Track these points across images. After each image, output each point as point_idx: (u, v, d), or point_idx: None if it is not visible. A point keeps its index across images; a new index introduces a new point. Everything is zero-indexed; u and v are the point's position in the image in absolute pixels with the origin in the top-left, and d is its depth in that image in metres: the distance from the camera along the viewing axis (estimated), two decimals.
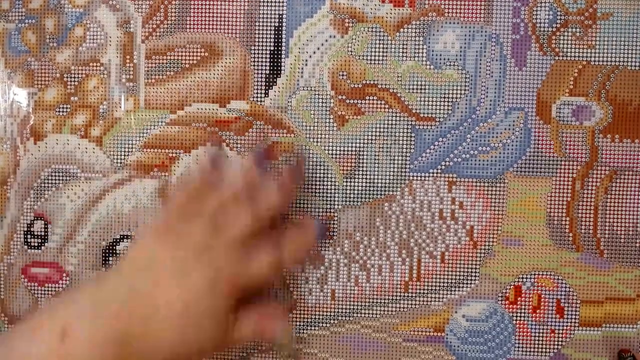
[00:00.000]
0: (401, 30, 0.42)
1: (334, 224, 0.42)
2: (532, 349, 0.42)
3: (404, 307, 0.43)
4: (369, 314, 0.43)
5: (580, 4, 0.41)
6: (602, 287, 0.42)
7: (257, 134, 0.43)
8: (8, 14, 0.44)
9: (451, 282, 0.42)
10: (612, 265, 0.42)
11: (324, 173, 0.43)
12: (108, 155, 0.44)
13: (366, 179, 0.42)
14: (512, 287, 0.42)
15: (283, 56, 0.43)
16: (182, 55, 0.43)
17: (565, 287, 0.42)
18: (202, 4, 0.43)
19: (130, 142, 0.44)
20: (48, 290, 0.44)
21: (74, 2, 0.44)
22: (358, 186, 0.42)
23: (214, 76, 0.43)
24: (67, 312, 0.34)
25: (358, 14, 0.42)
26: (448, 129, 0.42)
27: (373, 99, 0.42)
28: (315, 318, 0.43)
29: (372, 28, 0.42)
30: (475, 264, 0.42)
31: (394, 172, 0.42)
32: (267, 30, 0.43)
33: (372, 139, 0.42)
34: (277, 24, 0.42)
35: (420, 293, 0.43)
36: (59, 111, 0.44)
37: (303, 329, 0.43)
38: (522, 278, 0.42)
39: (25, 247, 0.44)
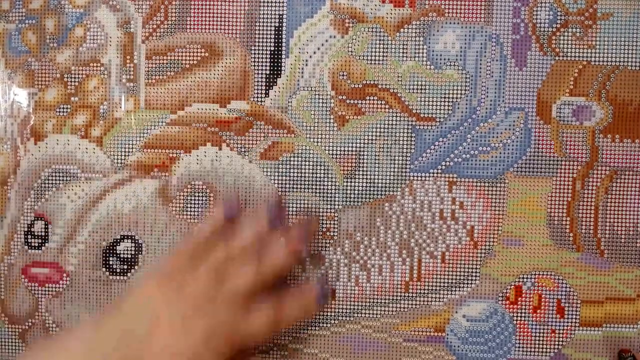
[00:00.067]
0: (401, 30, 0.42)
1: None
2: (532, 349, 0.42)
3: (404, 307, 0.43)
4: (369, 314, 0.43)
5: (581, 4, 0.41)
6: (602, 287, 0.42)
7: (257, 135, 0.43)
8: (8, 14, 0.44)
9: (452, 282, 0.42)
10: (612, 265, 0.42)
11: (324, 173, 0.43)
12: (108, 155, 0.44)
13: (366, 179, 0.42)
14: (512, 287, 0.42)
15: (283, 56, 0.43)
16: (182, 56, 0.43)
17: (566, 287, 0.42)
18: (202, 4, 0.43)
19: (130, 142, 0.44)
20: (48, 291, 0.44)
21: (74, 3, 0.44)
22: (358, 186, 0.42)
23: (214, 76, 0.43)
24: None
25: (358, 14, 0.42)
26: (448, 129, 0.42)
27: (373, 99, 0.42)
28: (315, 318, 0.43)
29: (372, 28, 0.42)
30: (476, 264, 0.42)
31: (394, 172, 0.42)
32: (267, 30, 0.43)
33: (372, 139, 0.42)
34: (277, 24, 0.43)
35: (420, 293, 0.43)
36: (60, 111, 0.44)
37: (303, 329, 0.43)
38: (523, 278, 0.42)
39: (26, 247, 0.44)
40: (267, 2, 0.42)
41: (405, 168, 0.42)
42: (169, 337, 0.35)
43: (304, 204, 0.43)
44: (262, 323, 0.37)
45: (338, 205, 0.43)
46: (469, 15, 0.41)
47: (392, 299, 0.43)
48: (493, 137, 0.42)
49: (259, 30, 0.43)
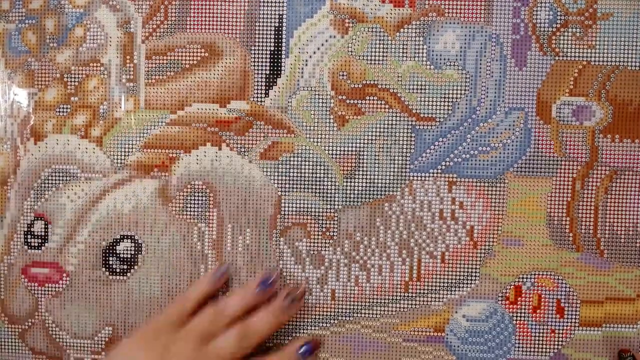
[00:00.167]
0: (401, 30, 0.42)
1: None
2: (532, 349, 0.42)
3: (404, 307, 0.43)
4: (369, 314, 0.43)
5: (580, 4, 0.41)
6: (602, 287, 0.42)
7: (257, 135, 0.43)
8: (8, 14, 0.44)
9: (451, 282, 0.42)
10: (612, 265, 0.42)
11: (324, 173, 0.43)
12: (108, 155, 0.44)
13: (366, 179, 0.42)
14: (512, 287, 0.42)
15: (283, 56, 0.43)
16: (182, 56, 0.43)
17: (566, 287, 0.42)
18: (202, 4, 0.43)
19: (130, 142, 0.44)
20: (48, 290, 0.44)
21: (74, 3, 0.44)
22: (358, 186, 0.42)
23: (214, 76, 0.43)
24: None
25: (358, 14, 0.42)
26: (448, 129, 0.42)
27: (373, 99, 0.42)
28: (315, 318, 0.43)
29: (372, 28, 0.42)
30: (476, 264, 0.42)
31: (394, 172, 0.42)
32: (267, 30, 0.43)
33: (372, 139, 0.42)
34: (277, 24, 0.43)
35: (420, 293, 0.43)
36: (59, 111, 0.44)
37: (303, 329, 0.43)
38: (522, 278, 0.42)
39: (26, 247, 0.44)
40: (267, 2, 0.42)
41: (405, 168, 0.42)
42: None
43: (304, 204, 0.43)
44: None
45: (338, 205, 0.43)
46: (469, 15, 0.42)
47: (392, 299, 0.43)
48: (493, 137, 0.42)
49: (259, 30, 0.43)
